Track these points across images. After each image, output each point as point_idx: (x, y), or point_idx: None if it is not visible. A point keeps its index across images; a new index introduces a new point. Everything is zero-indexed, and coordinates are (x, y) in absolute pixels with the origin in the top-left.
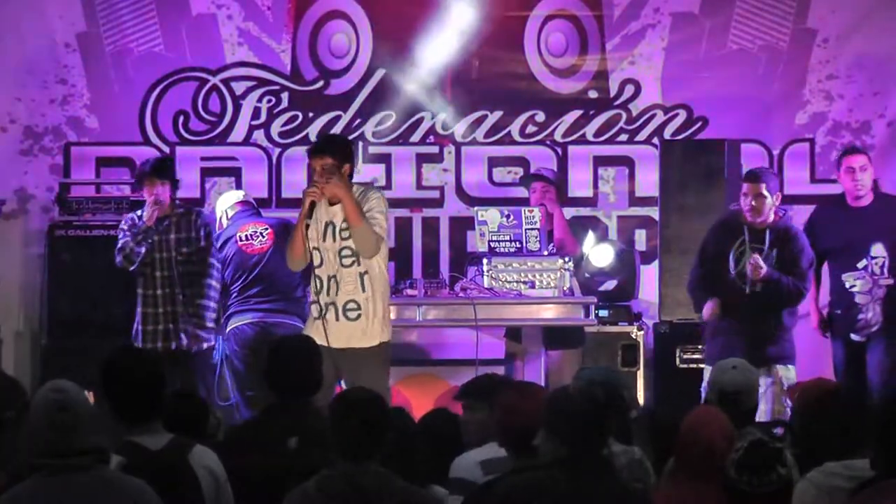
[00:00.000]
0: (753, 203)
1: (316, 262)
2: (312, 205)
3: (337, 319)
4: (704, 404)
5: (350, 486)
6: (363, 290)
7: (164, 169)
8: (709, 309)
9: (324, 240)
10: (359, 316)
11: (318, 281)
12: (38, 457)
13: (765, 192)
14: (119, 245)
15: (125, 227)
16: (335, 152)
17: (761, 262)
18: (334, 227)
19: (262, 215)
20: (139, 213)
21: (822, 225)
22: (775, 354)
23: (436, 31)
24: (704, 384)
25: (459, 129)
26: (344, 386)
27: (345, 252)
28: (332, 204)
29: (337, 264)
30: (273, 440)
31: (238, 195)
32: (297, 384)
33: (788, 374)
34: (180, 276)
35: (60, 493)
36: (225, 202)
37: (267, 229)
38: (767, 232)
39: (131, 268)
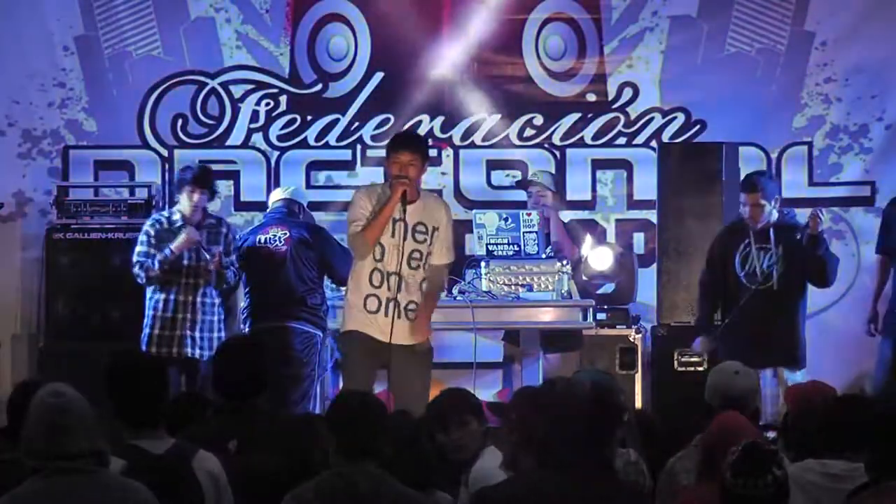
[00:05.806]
0: (751, 213)
1: (377, 255)
2: (404, 195)
3: (399, 317)
4: (724, 409)
5: (346, 487)
6: (421, 291)
7: (205, 178)
8: (702, 346)
9: (392, 236)
10: (416, 316)
11: (378, 274)
12: (34, 459)
13: (762, 202)
14: (139, 260)
15: (151, 233)
16: (425, 153)
17: (821, 214)
18: (406, 227)
19: (292, 219)
20: (167, 214)
21: None
22: (783, 357)
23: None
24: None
25: (457, 132)
26: (391, 381)
27: (414, 255)
28: (407, 203)
29: (404, 264)
30: (213, 442)
31: (281, 193)
32: (240, 386)
33: (795, 378)
34: (205, 285)
35: (57, 496)
36: (271, 198)
37: (286, 234)
38: (771, 231)
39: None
